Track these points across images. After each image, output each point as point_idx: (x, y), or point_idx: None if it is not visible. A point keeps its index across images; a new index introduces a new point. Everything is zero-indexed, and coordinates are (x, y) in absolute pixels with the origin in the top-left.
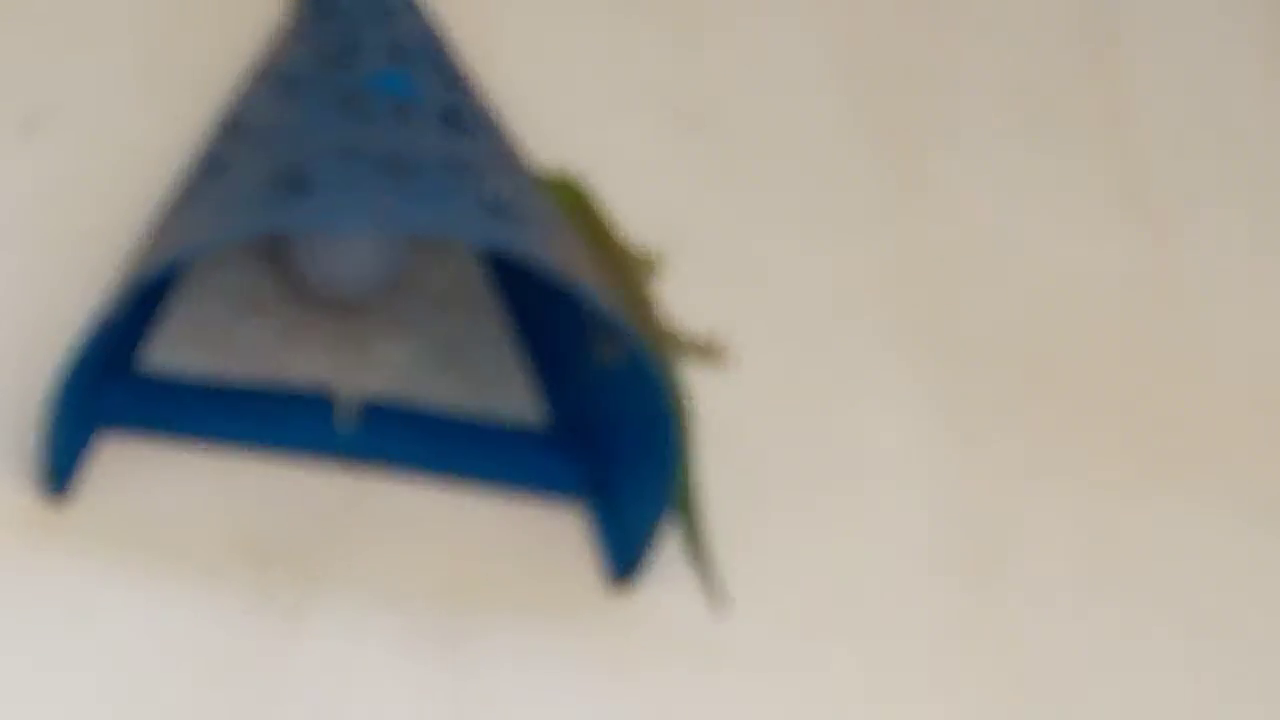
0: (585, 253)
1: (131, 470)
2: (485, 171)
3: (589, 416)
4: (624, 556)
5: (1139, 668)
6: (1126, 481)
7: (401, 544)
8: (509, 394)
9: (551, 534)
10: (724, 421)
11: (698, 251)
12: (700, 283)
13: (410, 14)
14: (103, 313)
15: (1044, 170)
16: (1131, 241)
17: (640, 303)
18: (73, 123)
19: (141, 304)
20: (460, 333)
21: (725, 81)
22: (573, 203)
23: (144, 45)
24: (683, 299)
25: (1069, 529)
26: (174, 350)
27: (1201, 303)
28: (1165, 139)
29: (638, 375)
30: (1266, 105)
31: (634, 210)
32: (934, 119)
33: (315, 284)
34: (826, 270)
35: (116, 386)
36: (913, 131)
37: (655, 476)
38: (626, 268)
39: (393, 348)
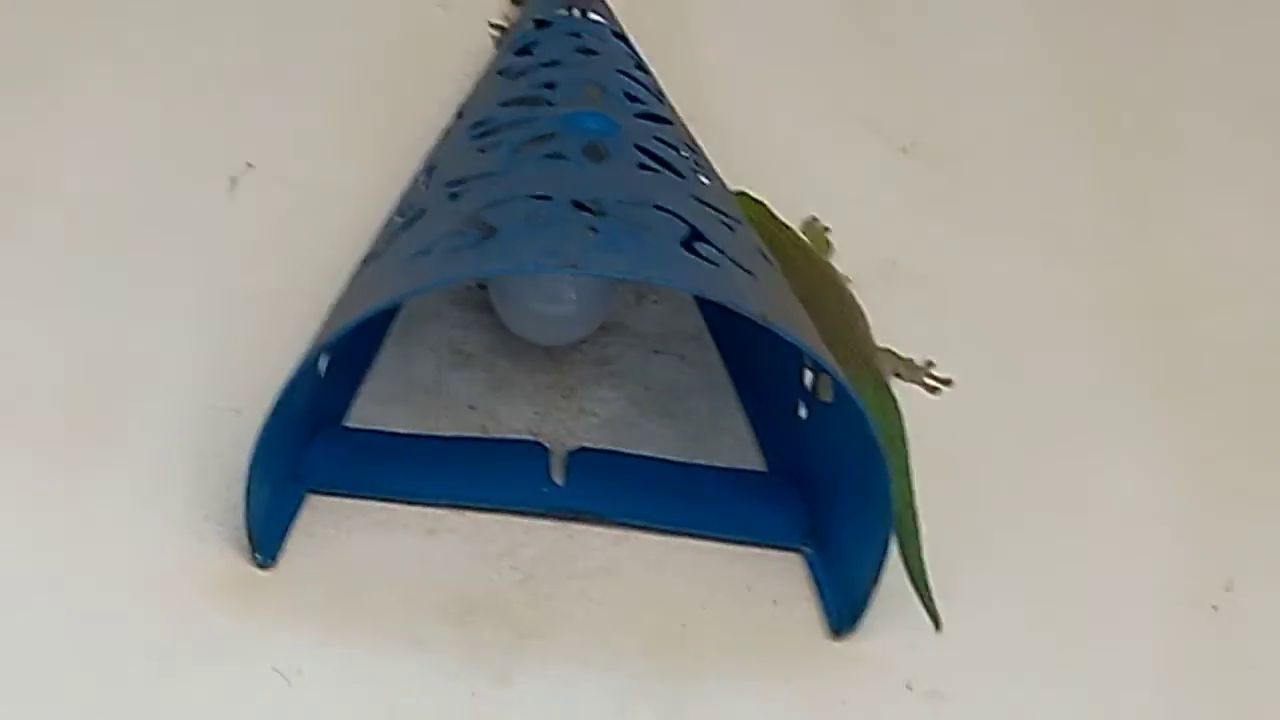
0: (790, 290)
1: (339, 529)
2: (683, 210)
3: (805, 461)
4: (845, 603)
5: None
6: None
7: (613, 598)
8: (725, 439)
9: (771, 584)
10: (947, 449)
11: (918, 279)
12: (921, 310)
13: (611, 51)
14: (297, 370)
15: (1276, 182)
16: None
17: (851, 324)
18: (275, 179)
19: (348, 360)
20: (674, 377)
21: (942, 104)
22: (755, 216)
23: (344, 97)
24: (904, 326)
25: None
26: (383, 406)
27: None
28: None
29: (848, 415)
30: None
31: (852, 237)
32: (1161, 133)
33: (518, 330)
34: (1050, 295)
35: (324, 446)
36: (1138, 148)
37: (873, 520)
38: (833, 283)
39: (604, 394)
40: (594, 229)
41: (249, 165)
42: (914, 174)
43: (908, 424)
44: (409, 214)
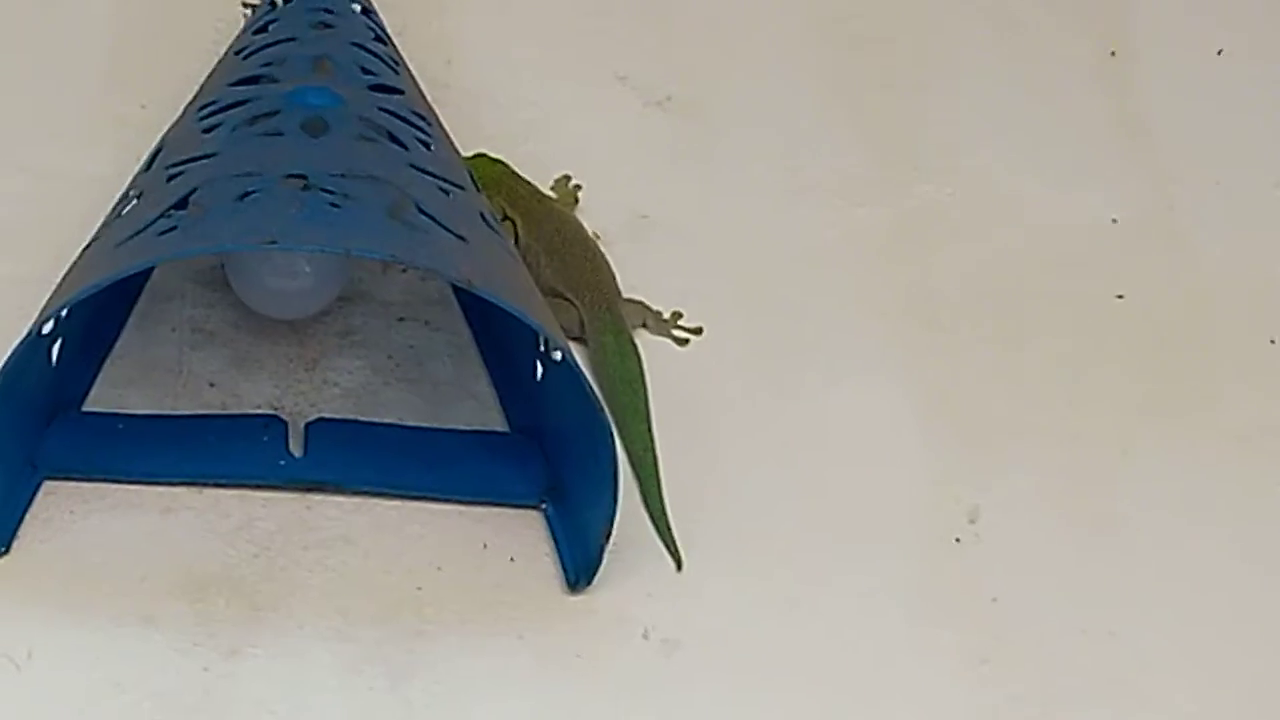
0: (511, 253)
1: (75, 513)
2: (397, 178)
3: (543, 420)
4: (580, 556)
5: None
6: (1114, 434)
7: (349, 567)
8: (468, 403)
9: (509, 542)
10: (691, 395)
11: (669, 231)
12: (671, 261)
13: (349, 24)
14: (10, 358)
15: (1033, 117)
16: (1124, 185)
17: (594, 271)
18: (17, 166)
19: (86, 345)
20: (418, 343)
21: (697, 56)
22: (495, 175)
23: (92, 81)
24: (654, 279)
25: (1049, 488)
26: (123, 389)
27: (1198, 243)
28: (1163, 74)
29: (574, 374)
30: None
31: (605, 192)
32: (905, 73)
33: (255, 306)
34: (797, 239)
35: (61, 431)
36: (884, 89)
37: (602, 475)
38: (576, 234)
39: (346, 364)
40: (300, 203)
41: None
42: (668, 127)
43: (652, 369)
44: (129, 197)
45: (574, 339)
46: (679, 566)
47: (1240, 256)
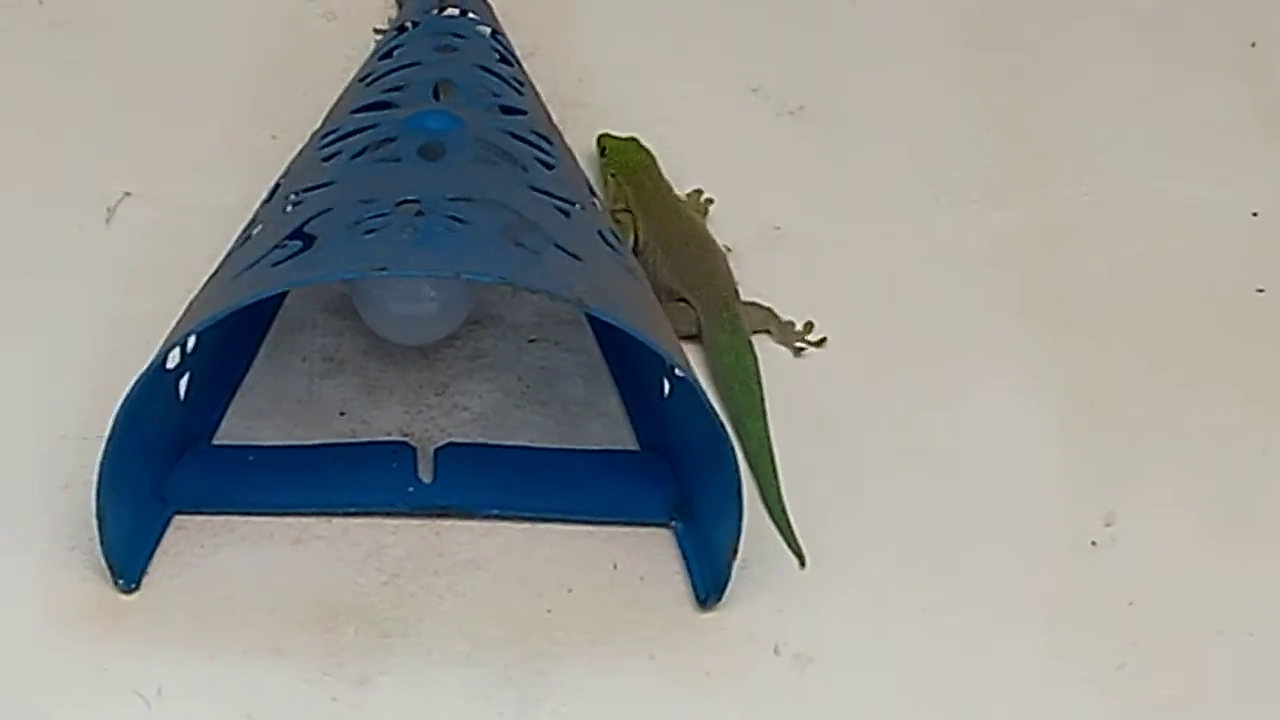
0: (634, 272)
1: (205, 546)
2: (514, 200)
3: (671, 436)
4: (710, 573)
5: (1273, 622)
6: (1254, 432)
7: (479, 591)
8: (599, 422)
9: (639, 561)
10: (824, 403)
11: (802, 242)
12: (805, 273)
13: (473, 46)
14: (130, 394)
15: (1171, 112)
16: (1265, 178)
17: (713, 268)
18: (157, 201)
19: (215, 379)
20: (548, 364)
21: (830, 66)
22: (634, 165)
23: (230, 115)
24: (787, 291)
25: (1187, 489)
26: (253, 420)
27: None
28: None
29: (695, 389)
30: None
31: (738, 204)
32: (1047, 80)
33: (383, 333)
34: (936, 245)
35: (190, 466)
36: (1026, 95)
37: (727, 490)
38: (698, 231)
39: (476, 388)
40: (413, 229)
41: (126, 194)
42: (801, 138)
43: (789, 375)
44: (252, 227)
45: (690, 338)
46: (802, 563)
47: None
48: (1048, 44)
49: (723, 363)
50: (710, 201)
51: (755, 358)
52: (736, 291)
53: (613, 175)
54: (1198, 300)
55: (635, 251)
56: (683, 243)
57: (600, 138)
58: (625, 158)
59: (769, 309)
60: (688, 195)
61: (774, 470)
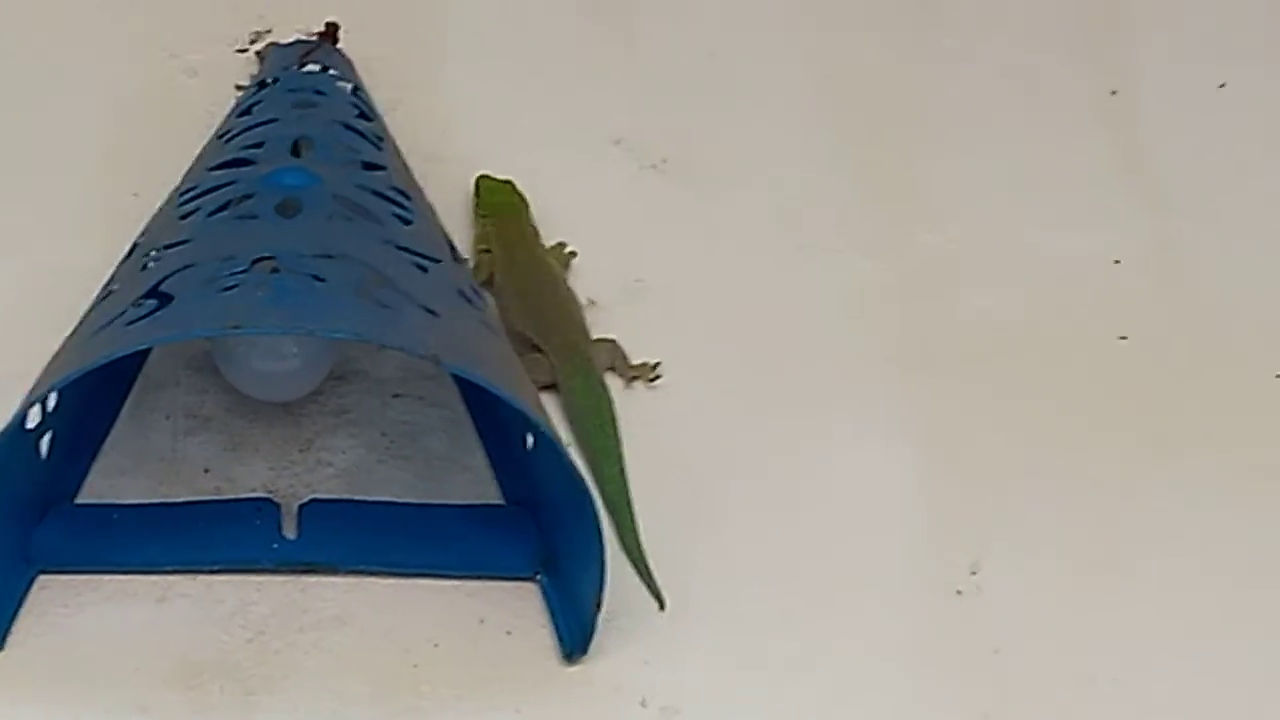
0: (491, 327)
1: (69, 606)
2: (369, 256)
3: (536, 490)
4: (575, 626)
5: (1139, 669)
6: (1118, 477)
7: (344, 647)
8: (463, 476)
9: (505, 616)
10: (688, 455)
11: (664, 294)
12: (666, 324)
13: (332, 102)
14: None
15: (1034, 160)
16: (1126, 224)
17: (565, 312)
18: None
19: (77, 438)
20: (413, 419)
21: (693, 119)
22: (499, 205)
23: (88, 174)
24: (648, 343)
25: (1051, 535)
26: (116, 479)
27: (1201, 279)
28: (1164, 110)
29: (554, 442)
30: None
31: (600, 257)
32: (909, 129)
33: (245, 390)
34: (799, 294)
35: (53, 525)
36: (891, 139)
37: (590, 543)
38: (550, 274)
39: (340, 443)
40: (267, 286)
41: None
42: (664, 191)
43: (649, 426)
44: (109, 286)
45: (547, 387)
46: (661, 606)
47: (1244, 291)
48: (909, 94)
49: (578, 407)
50: (573, 254)
51: (610, 401)
52: (588, 335)
53: (482, 216)
54: (1061, 348)
55: (490, 288)
56: (536, 287)
57: (478, 178)
58: (496, 199)
59: (613, 341)
60: (551, 247)
61: (631, 513)
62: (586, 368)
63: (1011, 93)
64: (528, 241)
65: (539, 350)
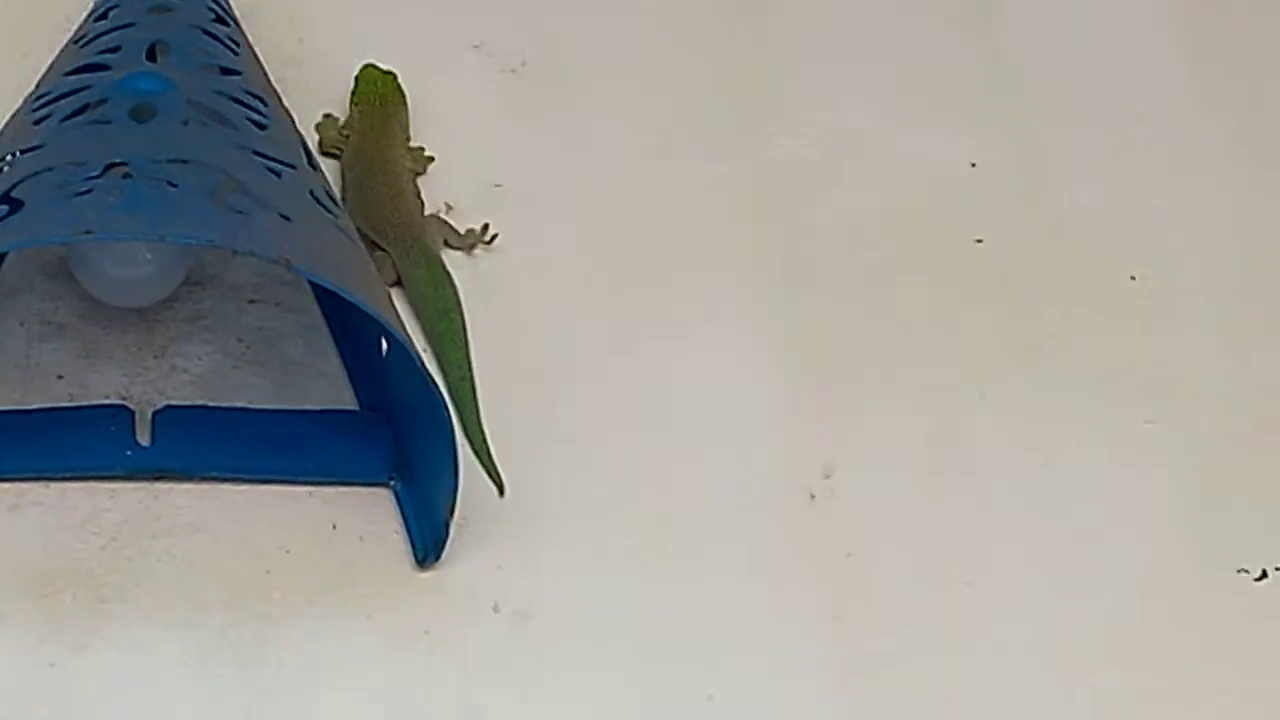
0: (344, 230)
1: None
2: (223, 161)
3: (390, 396)
4: (429, 532)
5: (991, 572)
6: (973, 380)
7: (197, 554)
8: (319, 382)
9: (358, 522)
10: (541, 356)
11: (523, 199)
12: (526, 228)
13: (189, 6)
14: None
15: (893, 63)
16: (985, 128)
17: (399, 204)
18: None
19: None
20: (269, 325)
21: (548, 21)
22: (383, 96)
23: None
24: (509, 246)
25: (906, 438)
26: None
27: (1058, 183)
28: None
29: (407, 358)
30: None
31: (459, 162)
32: (772, 30)
33: (100, 296)
34: (656, 198)
35: None
36: (749, 41)
37: (444, 449)
38: (385, 167)
39: (196, 350)
40: (120, 191)
41: None
42: (523, 94)
43: (501, 320)
44: None
45: (395, 285)
46: (501, 492)
47: (1101, 194)
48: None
49: (420, 294)
50: (430, 158)
51: (454, 288)
52: (423, 223)
53: (355, 104)
54: (917, 251)
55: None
56: (369, 177)
57: (362, 67)
58: (370, 89)
59: (444, 219)
60: (411, 149)
61: (475, 399)
62: (427, 254)
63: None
64: (384, 135)
65: (380, 248)
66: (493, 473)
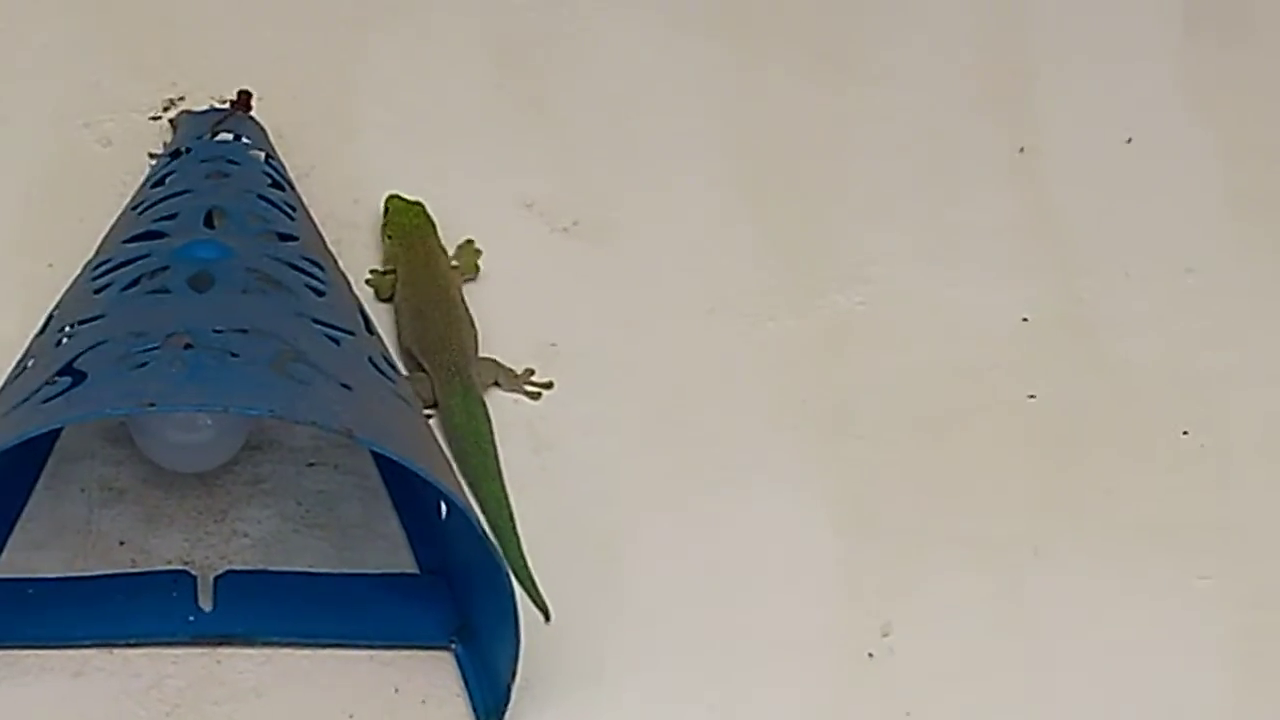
0: (403, 399)
1: None
2: (282, 329)
3: (450, 558)
4: (490, 695)
5: None
6: (1026, 536)
7: (261, 718)
8: (378, 544)
9: (420, 684)
10: (603, 521)
11: (577, 358)
12: (580, 387)
13: (245, 172)
14: None
15: (942, 219)
16: (1035, 283)
17: (451, 335)
18: None
19: None
20: (327, 488)
21: (599, 179)
22: (418, 226)
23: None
24: (564, 407)
25: (962, 595)
26: (32, 552)
27: (1108, 336)
28: (1072, 167)
29: (467, 520)
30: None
31: (512, 320)
32: (823, 188)
33: (160, 461)
34: (714, 355)
35: None
36: (800, 199)
37: (504, 610)
38: (445, 297)
39: (255, 514)
40: (181, 362)
41: None
42: (575, 253)
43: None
44: (24, 361)
45: (430, 407)
46: (547, 618)
47: (1151, 347)
48: (819, 154)
49: (454, 424)
50: (479, 252)
51: (489, 420)
52: (474, 356)
53: (389, 237)
54: (970, 407)
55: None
56: (428, 308)
57: (388, 198)
58: (403, 220)
59: (495, 360)
60: (460, 246)
61: (514, 529)
62: (466, 385)
63: (920, 151)
64: (429, 263)
65: (422, 370)
66: (536, 597)
